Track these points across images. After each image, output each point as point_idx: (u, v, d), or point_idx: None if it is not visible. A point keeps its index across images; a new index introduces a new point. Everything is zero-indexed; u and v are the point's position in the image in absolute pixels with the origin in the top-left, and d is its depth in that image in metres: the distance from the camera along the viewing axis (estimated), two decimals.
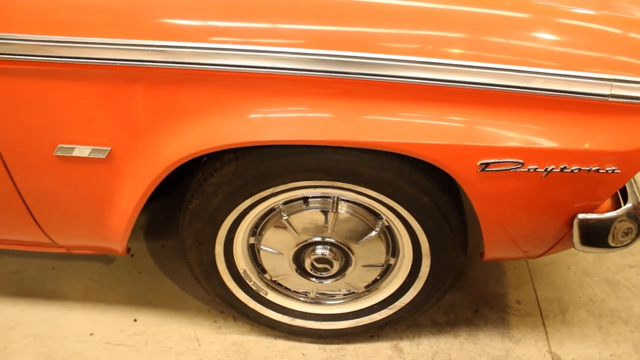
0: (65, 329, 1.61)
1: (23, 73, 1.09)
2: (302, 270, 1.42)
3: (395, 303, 1.48)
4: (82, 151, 1.17)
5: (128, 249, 1.43)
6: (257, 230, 1.38)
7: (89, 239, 1.39)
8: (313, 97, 1.09)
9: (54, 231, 1.38)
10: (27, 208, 1.32)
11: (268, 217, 1.36)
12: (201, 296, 1.69)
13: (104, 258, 1.82)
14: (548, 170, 1.07)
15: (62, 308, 1.67)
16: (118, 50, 1.04)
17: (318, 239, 1.35)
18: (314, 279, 1.44)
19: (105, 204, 1.27)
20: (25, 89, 1.12)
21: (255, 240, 1.40)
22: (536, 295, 1.76)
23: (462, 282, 1.78)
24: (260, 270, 1.47)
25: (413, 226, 1.30)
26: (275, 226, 1.34)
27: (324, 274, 1.42)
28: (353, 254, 1.37)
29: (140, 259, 1.83)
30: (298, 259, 1.40)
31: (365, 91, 1.07)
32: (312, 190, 1.28)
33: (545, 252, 1.32)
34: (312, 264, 1.39)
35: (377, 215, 1.34)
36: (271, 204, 1.31)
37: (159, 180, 1.19)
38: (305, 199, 1.32)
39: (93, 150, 1.17)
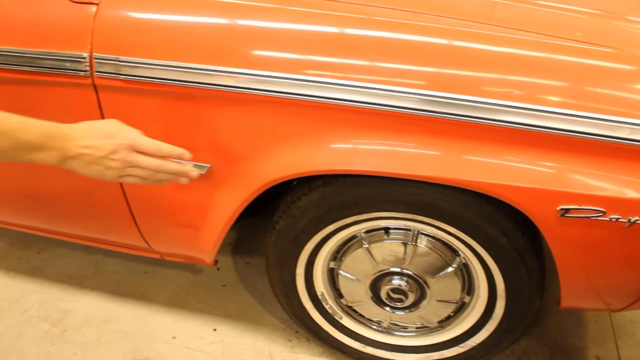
0: (151, 329, 1.73)
1: (140, 92, 1.22)
2: (377, 299, 1.46)
3: (467, 342, 1.49)
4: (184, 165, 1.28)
5: (215, 262, 1.52)
6: (337, 255, 1.44)
7: (182, 247, 1.50)
8: (403, 132, 1.14)
9: (152, 237, 1.50)
10: (131, 213, 1.44)
11: (349, 244, 1.41)
12: (278, 315, 1.76)
13: (192, 268, 1.94)
14: (631, 221, 1.07)
15: (150, 310, 1.79)
16: (224, 77, 1.14)
17: (395, 269, 1.39)
18: (388, 309, 1.47)
19: (199, 217, 1.37)
20: (142, 107, 1.25)
21: (335, 264, 1.45)
22: (618, 354, 1.70)
23: (539, 329, 1.75)
24: (337, 294, 1.52)
25: (490, 266, 1.32)
26: (355, 253, 1.40)
27: (399, 305, 1.45)
28: (428, 287, 1.40)
29: (225, 272, 1.93)
30: (374, 287, 1.44)
31: (456, 131, 1.11)
32: (394, 221, 1.33)
33: (628, 306, 1.29)
34: (388, 294, 1.43)
35: (455, 252, 1.36)
36: (353, 232, 1.37)
37: (251, 199, 1.28)
38: (387, 230, 1.36)
39: (195, 166, 1.28)
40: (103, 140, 0.98)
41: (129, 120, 1.26)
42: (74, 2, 1.25)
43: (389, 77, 1.09)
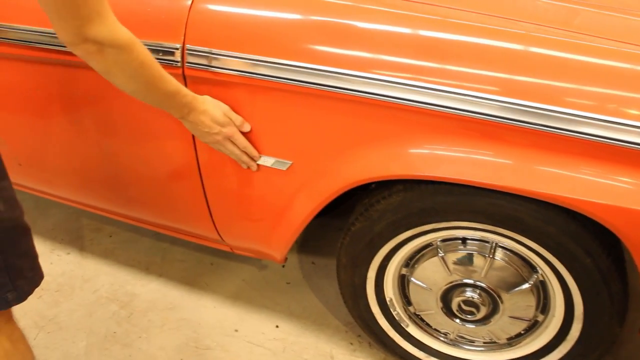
0: (214, 320, 1.75)
1: (228, 85, 1.24)
2: (447, 310, 1.43)
3: None
4: (266, 161, 1.29)
5: (285, 259, 1.53)
6: (410, 261, 1.42)
7: (254, 242, 1.51)
8: (492, 141, 1.11)
9: (225, 230, 1.52)
10: (207, 205, 1.46)
11: (424, 252, 1.39)
12: (341, 317, 1.75)
13: (258, 263, 1.95)
14: None
15: (214, 301, 1.82)
16: (314, 74, 1.14)
17: (469, 281, 1.36)
18: (457, 321, 1.44)
19: (276, 213, 1.38)
20: (228, 100, 1.26)
21: (407, 271, 1.43)
22: None
23: (613, 357, 1.68)
24: (406, 301, 1.50)
25: (570, 285, 1.27)
26: (429, 261, 1.37)
27: (469, 318, 1.42)
28: (502, 302, 1.36)
29: (290, 270, 1.94)
30: (446, 298, 1.41)
31: (545, 143, 1.08)
32: (473, 232, 1.30)
33: None
34: (459, 305, 1.40)
35: (532, 268, 1.32)
36: (430, 239, 1.35)
37: (330, 200, 1.27)
38: (464, 240, 1.34)
39: (276, 162, 1.28)
40: (214, 124, 1.23)
41: None
42: None
43: (474, 83, 1.07)
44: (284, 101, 1.21)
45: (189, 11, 1.24)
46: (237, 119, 1.25)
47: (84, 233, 2.12)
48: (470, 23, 1.12)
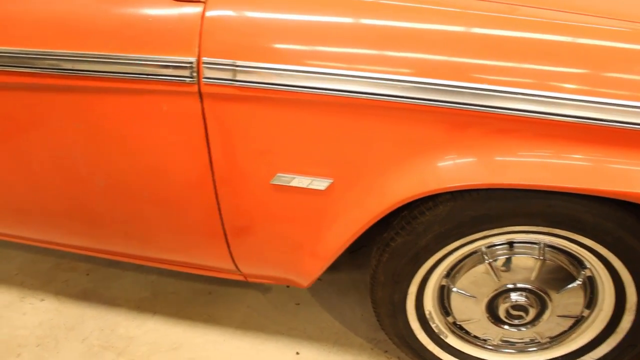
0: (227, 355, 1.59)
1: (255, 100, 1.10)
2: (493, 316, 1.35)
3: (583, 357, 1.40)
4: (301, 182, 1.16)
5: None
6: (451, 271, 1.33)
7: (278, 270, 1.37)
8: (553, 141, 1.04)
9: (244, 259, 1.37)
10: (224, 233, 1.31)
11: (467, 259, 1.30)
12: (363, 333, 1.65)
13: (260, 287, 1.81)
14: None
15: (223, 334, 1.66)
16: (361, 82, 1.03)
17: (518, 285, 1.29)
18: (504, 326, 1.37)
19: (309, 237, 1.25)
20: (256, 116, 1.12)
21: (448, 281, 1.35)
22: None
23: None
24: (444, 312, 1.41)
25: (624, 279, 1.23)
26: (474, 269, 1.29)
27: (517, 322, 1.35)
28: (551, 302, 1.30)
29: (296, 290, 1.80)
30: (492, 304, 1.34)
31: (606, 138, 1.02)
32: (524, 235, 1.23)
33: None
34: (507, 310, 1.33)
35: (580, 264, 1.27)
36: (477, 247, 1.26)
37: (377, 219, 1.16)
38: (510, 244, 1.26)
39: (313, 182, 1.16)
40: None
41: (238, 130, 1.15)
42: (176, 0, 1.12)
43: (541, 80, 0.99)
44: (323, 114, 1.09)
45: (202, 19, 1.09)
46: None
47: (56, 274, 1.90)
48: (551, 21, 1.03)
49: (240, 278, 1.48)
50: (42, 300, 1.80)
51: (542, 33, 1.01)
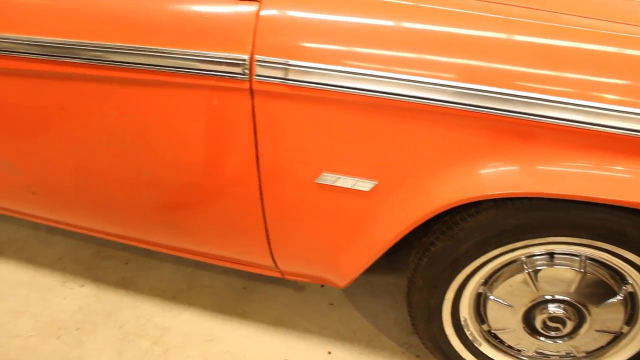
0: (259, 350, 1.61)
1: (304, 99, 1.11)
2: (529, 327, 1.34)
3: None
4: (345, 182, 1.18)
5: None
6: (489, 279, 1.33)
7: (316, 268, 1.39)
8: (596, 152, 1.04)
9: (283, 256, 1.39)
10: (266, 229, 1.33)
11: (506, 268, 1.30)
12: (395, 337, 1.65)
13: (294, 285, 1.83)
14: None
15: (256, 329, 1.68)
16: (398, 84, 1.04)
17: (556, 296, 1.28)
18: (540, 337, 1.36)
19: (350, 237, 1.26)
20: (304, 116, 1.14)
21: (485, 289, 1.34)
22: None
23: None
24: (480, 320, 1.41)
25: None
26: (513, 278, 1.28)
27: (553, 334, 1.34)
28: (590, 315, 1.29)
29: (330, 290, 1.82)
30: (529, 314, 1.33)
31: None
32: (565, 246, 1.22)
33: None
34: (544, 322, 1.32)
35: (622, 279, 1.25)
36: (516, 256, 1.26)
37: (420, 222, 1.17)
38: (551, 254, 1.25)
39: (358, 183, 1.17)
40: None
41: (287, 128, 1.16)
42: None
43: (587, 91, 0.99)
44: (371, 116, 1.10)
45: (257, 17, 1.11)
46: None
47: (96, 261, 1.94)
48: (586, 29, 1.03)
49: (277, 275, 1.50)
50: (82, 286, 1.85)
51: (587, 43, 1.01)
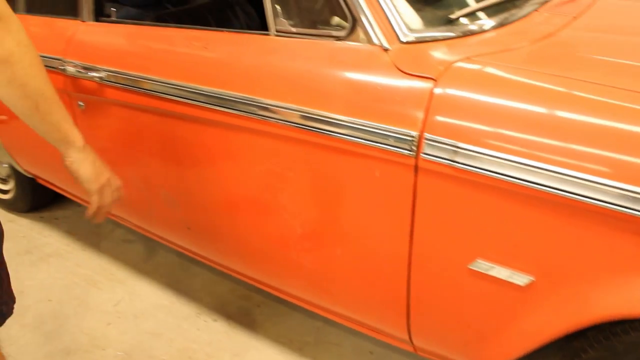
0: None
1: (470, 184, 1.09)
2: None
3: None
4: (500, 272, 1.13)
5: None
6: None
7: (453, 352, 1.33)
8: None
9: (421, 333, 1.35)
10: (408, 304, 1.31)
11: None
12: None
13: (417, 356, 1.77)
14: None
15: None
16: (569, 181, 0.98)
17: None
18: None
19: (496, 329, 1.20)
20: (462, 198, 1.11)
21: None
22: None
23: None
24: None
25: None
26: None
27: None
28: None
29: None
30: None
31: None
32: None
33: None
34: None
35: None
36: None
37: (575, 330, 1.09)
38: None
39: (513, 275, 1.12)
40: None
41: (447, 209, 1.14)
42: (405, 73, 1.16)
43: None
44: (536, 209, 1.05)
45: (431, 95, 1.11)
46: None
47: (231, 299, 2.01)
48: None
49: (409, 349, 1.46)
50: (215, 320, 1.92)
51: None
